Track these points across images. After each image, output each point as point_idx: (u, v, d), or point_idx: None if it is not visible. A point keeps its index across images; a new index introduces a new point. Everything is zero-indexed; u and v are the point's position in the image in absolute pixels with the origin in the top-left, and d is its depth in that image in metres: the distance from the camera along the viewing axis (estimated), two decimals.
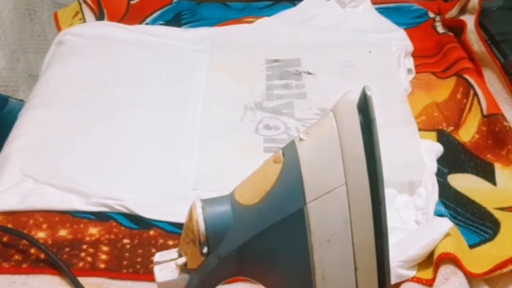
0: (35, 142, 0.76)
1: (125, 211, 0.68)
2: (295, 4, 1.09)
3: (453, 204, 0.69)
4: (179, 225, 0.64)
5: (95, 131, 0.79)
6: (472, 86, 0.83)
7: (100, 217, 0.68)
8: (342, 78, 0.89)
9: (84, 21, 1.03)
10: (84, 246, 0.64)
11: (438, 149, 0.75)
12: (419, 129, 0.78)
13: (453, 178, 0.73)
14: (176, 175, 0.73)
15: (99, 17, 1.05)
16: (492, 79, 0.86)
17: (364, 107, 0.39)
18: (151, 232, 0.66)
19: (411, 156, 0.74)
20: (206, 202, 0.44)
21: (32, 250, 0.62)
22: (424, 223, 0.65)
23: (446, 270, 0.58)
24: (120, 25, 1.02)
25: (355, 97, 0.41)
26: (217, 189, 0.65)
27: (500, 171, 0.73)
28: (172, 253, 0.46)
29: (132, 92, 0.85)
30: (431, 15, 1.05)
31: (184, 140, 0.78)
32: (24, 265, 0.61)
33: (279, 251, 0.42)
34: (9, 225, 0.66)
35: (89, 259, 0.62)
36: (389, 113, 0.79)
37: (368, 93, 0.39)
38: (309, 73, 0.90)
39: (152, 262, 0.48)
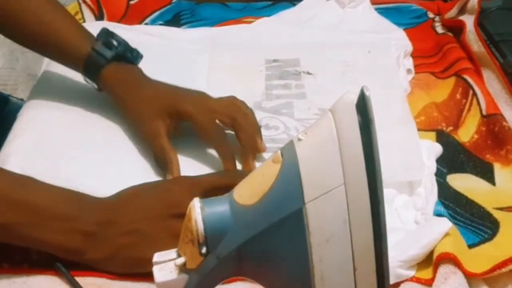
0: (35, 142, 0.76)
1: None
2: (294, 4, 1.09)
3: (453, 204, 0.69)
4: None
5: (95, 131, 0.79)
6: (471, 86, 0.83)
7: None
8: (341, 78, 0.89)
9: (84, 21, 1.03)
10: None
11: (437, 149, 0.75)
12: (418, 129, 0.78)
13: (453, 178, 0.73)
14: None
15: (99, 17, 1.05)
16: (491, 79, 0.86)
17: (363, 107, 0.40)
18: None
19: (410, 156, 0.74)
20: (205, 202, 0.44)
21: (33, 251, 0.62)
22: (424, 223, 0.65)
23: (445, 270, 0.58)
24: (120, 25, 1.02)
25: (354, 97, 0.41)
26: None
27: (499, 171, 0.73)
28: (171, 253, 0.46)
29: None
30: (431, 15, 1.05)
31: (184, 140, 0.78)
32: (25, 265, 0.61)
33: (278, 251, 0.42)
34: None
35: None
36: (389, 113, 0.79)
37: (367, 93, 0.39)
38: (308, 73, 0.90)
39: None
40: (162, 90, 0.75)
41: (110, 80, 0.77)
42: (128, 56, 0.78)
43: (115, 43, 0.77)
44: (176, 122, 0.73)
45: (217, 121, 0.73)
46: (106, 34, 0.78)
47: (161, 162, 0.72)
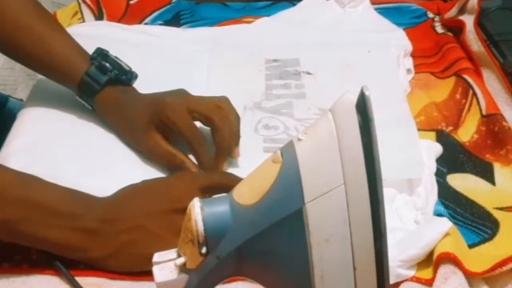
0: (34, 142, 0.76)
1: None
2: (294, 4, 1.09)
3: (453, 204, 0.69)
4: None
5: (94, 132, 0.79)
6: (471, 86, 0.83)
7: None
8: (341, 78, 0.89)
9: (83, 21, 1.03)
10: None
11: (437, 149, 0.75)
12: (418, 129, 0.78)
13: (452, 178, 0.73)
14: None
15: (98, 17, 1.05)
16: (491, 79, 0.86)
17: (363, 107, 0.40)
18: None
19: (410, 156, 0.74)
20: (204, 203, 0.44)
21: (33, 250, 0.62)
22: (424, 223, 0.65)
23: (445, 269, 0.58)
24: (119, 25, 1.02)
25: (354, 97, 0.41)
26: None
27: (499, 171, 0.73)
28: (171, 253, 0.46)
29: None
30: (430, 15, 1.05)
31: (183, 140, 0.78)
32: (24, 265, 0.61)
33: (278, 251, 0.42)
34: None
35: None
36: (389, 113, 0.79)
37: (366, 93, 0.39)
38: (308, 73, 0.90)
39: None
40: (145, 104, 0.75)
41: (103, 107, 0.77)
42: (122, 79, 0.78)
43: (109, 66, 0.76)
44: (167, 128, 0.73)
45: (197, 122, 0.73)
46: (100, 56, 0.78)
47: (174, 168, 0.72)
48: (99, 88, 0.76)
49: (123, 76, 0.78)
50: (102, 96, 0.76)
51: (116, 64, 0.78)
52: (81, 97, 0.78)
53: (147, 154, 0.74)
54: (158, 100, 0.74)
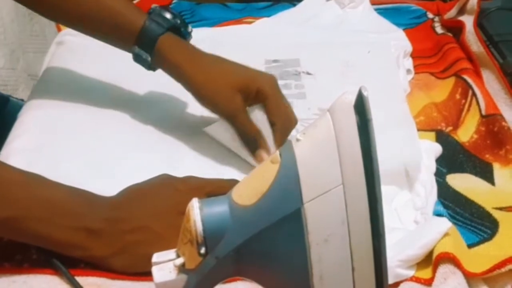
0: (35, 142, 0.76)
1: None
2: (294, 5, 1.09)
3: (452, 204, 0.69)
4: None
5: (96, 131, 0.79)
6: (470, 87, 0.83)
7: None
8: (341, 78, 0.89)
9: None
10: None
11: (437, 149, 0.75)
12: (418, 129, 0.78)
13: (452, 178, 0.73)
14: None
15: None
16: (491, 80, 0.86)
17: (361, 108, 0.40)
18: None
19: (410, 156, 0.74)
20: (203, 203, 0.44)
21: (33, 250, 0.62)
22: (423, 223, 0.65)
23: (445, 269, 0.58)
24: None
25: (352, 98, 0.41)
26: None
27: (498, 171, 0.73)
28: (170, 253, 0.46)
29: (132, 92, 0.85)
30: (430, 15, 1.06)
31: (184, 140, 0.78)
32: (25, 265, 0.61)
33: (276, 251, 0.42)
34: None
35: None
36: (388, 113, 0.79)
37: (365, 93, 0.39)
38: (308, 73, 0.91)
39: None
40: (233, 67, 0.75)
41: (169, 49, 0.75)
42: (182, 30, 0.77)
43: (170, 15, 0.76)
44: (249, 100, 0.73)
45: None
46: (160, 7, 0.77)
47: (246, 139, 0.73)
48: (163, 31, 0.74)
49: (183, 28, 0.77)
50: (167, 40, 0.74)
51: (177, 14, 0.77)
52: (141, 46, 0.75)
53: (222, 116, 0.74)
54: (249, 71, 0.75)
